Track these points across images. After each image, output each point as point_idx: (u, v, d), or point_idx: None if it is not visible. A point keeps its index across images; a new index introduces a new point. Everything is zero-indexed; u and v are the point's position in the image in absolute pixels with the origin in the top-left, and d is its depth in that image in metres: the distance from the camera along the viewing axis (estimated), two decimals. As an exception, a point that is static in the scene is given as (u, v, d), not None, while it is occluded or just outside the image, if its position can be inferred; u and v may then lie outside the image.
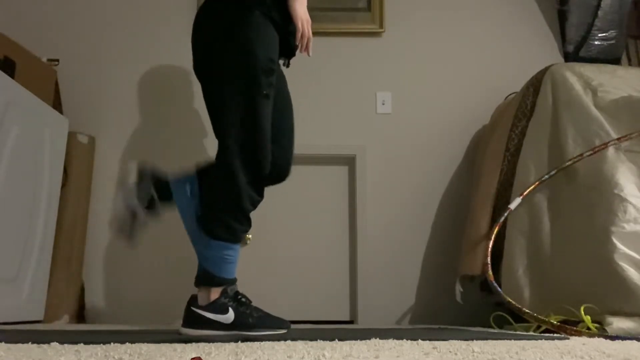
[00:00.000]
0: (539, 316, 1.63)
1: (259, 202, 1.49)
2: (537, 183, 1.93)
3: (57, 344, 1.02)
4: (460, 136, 2.69)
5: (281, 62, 1.66)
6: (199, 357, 0.82)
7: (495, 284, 1.83)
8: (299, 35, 1.52)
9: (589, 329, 1.53)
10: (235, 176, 1.42)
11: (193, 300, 1.40)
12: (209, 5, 1.54)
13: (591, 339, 1.32)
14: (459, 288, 2.21)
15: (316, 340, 1.17)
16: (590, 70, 2.05)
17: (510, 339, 1.24)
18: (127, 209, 1.52)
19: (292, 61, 1.68)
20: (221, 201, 1.43)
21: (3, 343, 1.03)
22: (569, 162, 1.85)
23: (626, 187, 1.70)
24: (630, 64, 2.90)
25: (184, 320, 1.39)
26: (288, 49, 1.60)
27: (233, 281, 1.44)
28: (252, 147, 1.44)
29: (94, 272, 2.44)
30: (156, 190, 1.53)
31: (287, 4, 1.50)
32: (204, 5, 1.56)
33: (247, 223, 1.47)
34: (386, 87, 2.74)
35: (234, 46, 1.44)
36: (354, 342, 1.14)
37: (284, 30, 1.53)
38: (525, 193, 1.94)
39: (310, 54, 1.60)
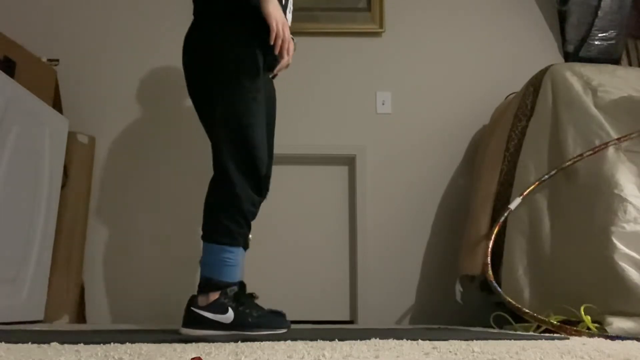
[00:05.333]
0: (539, 316, 1.62)
1: (259, 202, 1.50)
2: (537, 183, 1.93)
3: (57, 344, 1.02)
4: (460, 136, 2.69)
5: (270, 75, 1.67)
6: (199, 357, 0.82)
7: (495, 284, 1.83)
8: (273, 35, 1.45)
9: (589, 329, 1.53)
10: (231, 177, 1.43)
11: (193, 301, 1.40)
12: (197, 27, 1.59)
13: (591, 339, 1.32)
14: (459, 288, 2.22)
15: (316, 340, 1.17)
16: (590, 70, 2.05)
17: (510, 339, 1.23)
18: None
19: (292, 61, 1.67)
20: (219, 204, 1.44)
21: (3, 343, 1.03)
22: (569, 162, 1.85)
23: (626, 187, 1.70)
24: (630, 64, 2.90)
25: (183, 320, 1.39)
26: (272, 61, 1.58)
27: (236, 285, 1.44)
28: (244, 145, 1.45)
29: (94, 272, 2.44)
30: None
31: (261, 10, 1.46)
32: (192, 28, 1.61)
33: (247, 225, 1.47)
34: (386, 87, 2.74)
35: (218, 56, 1.48)
36: (354, 342, 1.13)
37: (267, 44, 1.50)
38: (525, 193, 1.94)
39: (289, 59, 1.57)
